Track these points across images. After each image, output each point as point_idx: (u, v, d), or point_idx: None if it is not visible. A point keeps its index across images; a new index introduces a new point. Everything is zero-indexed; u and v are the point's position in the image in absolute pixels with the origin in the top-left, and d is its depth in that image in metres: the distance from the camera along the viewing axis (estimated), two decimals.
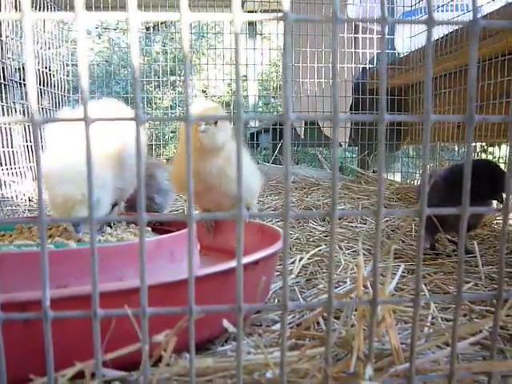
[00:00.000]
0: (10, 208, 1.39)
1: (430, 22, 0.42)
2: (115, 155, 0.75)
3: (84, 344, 0.50)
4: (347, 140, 2.59)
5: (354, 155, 2.80)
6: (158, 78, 3.46)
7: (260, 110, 4.39)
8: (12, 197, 1.48)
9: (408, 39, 2.17)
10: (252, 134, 3.71)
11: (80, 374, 0.47)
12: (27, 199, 1.52)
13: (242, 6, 3.68)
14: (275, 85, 4.53)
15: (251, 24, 3.70)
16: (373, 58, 2.40)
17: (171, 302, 0.53)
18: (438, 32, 1.86)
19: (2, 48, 1.52)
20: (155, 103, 5.18)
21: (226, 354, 0.56)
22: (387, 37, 2.33)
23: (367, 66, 2.44)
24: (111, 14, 0.41)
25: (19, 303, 0.47)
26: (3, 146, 1.49)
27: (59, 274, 0.59)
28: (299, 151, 3.83)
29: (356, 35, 2.48)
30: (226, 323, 0.56)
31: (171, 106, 5.13)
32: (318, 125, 2.70)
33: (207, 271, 0.54)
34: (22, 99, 1.63)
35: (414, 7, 2.20)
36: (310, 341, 0.57)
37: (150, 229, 0.81)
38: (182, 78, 5.03)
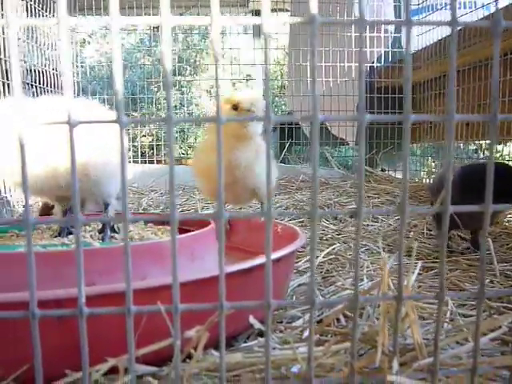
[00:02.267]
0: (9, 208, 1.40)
1: (454, 24, 0.43)
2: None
3: (114, 339, 0.52)
4: (354, 139, 2.60)
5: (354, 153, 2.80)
6: (162, 78, 3.47)
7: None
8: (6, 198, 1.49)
9: (415, 37, 2.17)
10: None
11: (112, 370, 0.48)
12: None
13: (247, 5, 3.69)
14: (279, 84, 4.54)
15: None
16: (380, 57, 2.41)
17: (199, 299, 0.54)
18: (447, 30, 1.87)
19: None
20: (159, 103, 5.21)
21: (251, 350, 0.57)
22: (394, 35, 2.34)
23: (375, 64, 2.45)
24: (143, 19, 0.42)
25: (54, 300, 0.48)
26: None
27: (86, 272, 0.61)
28: (305, 150, 3.83)
29: (363, 34, 2.49)
30: (252, 319, 0.58)
31: (176, 106, 5.15)
32: (324, 124, 2.70)
33: (237, 268, 0.55)
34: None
35: (420, 5, 2.21)
36: (332, 337, 0.58)
37: (168, 227, 0.82)
38: (187, 78, 5.05)
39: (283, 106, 4.57)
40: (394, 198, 1.51)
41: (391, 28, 2.35)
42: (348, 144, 2.65)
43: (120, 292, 0.50)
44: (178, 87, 4.94)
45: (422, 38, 2.19)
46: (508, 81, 1.54)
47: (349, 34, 2.42)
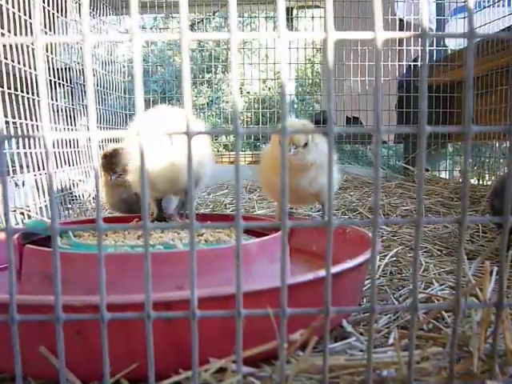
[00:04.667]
0: (78, 206, 1.44)
1: (471, 36, 0.43)
2: None
3: (213, 340, 0.54)
4: (392, 138, 2.59)
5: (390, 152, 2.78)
6: (194, 76, 3.50)
7: (296, 106, 4.39)
8: (79, 195, 1.54)
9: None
10: None
11: (216, 370, 0.50)
12: (92, 198, 1.57)
13: (275, 2, 3.69)
14: (311, 82, 4.53)
15: (288, 20, 3.70)
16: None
17: (293, 303, 0.55)
18: (493, 26, 1.84)
19: (69, 52, 1.58)
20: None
21: (340, 352, 0.58)
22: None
23: (413, 63, 2.42)
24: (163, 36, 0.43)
25: (164, 302, 0.50)
26: (70, 147, 1.55)
27: (175, 274, 0.63)
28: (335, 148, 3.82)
29: (416, 36, 2.46)
30: (345, 323, 0.59)
31: (207, 103, 5.18)
32: (360, 122, 2.69)
33: (335, 270, 0.56)
34: (83, 100, 1.68)
35: (466, 3, 2.18)
36: (423, 342, 0.59)
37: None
38: (218, 76, 5.08)
39: (315, 104, 4.56)
40: (445, 199, 1.50)
41: (433, 26, 2.33)
42: (385, 143, 2.63)
43: (223, 296, 0.52)
44: (208, 85, 4.98)
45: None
46: None
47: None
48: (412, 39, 2.44)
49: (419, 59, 2.42)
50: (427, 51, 0.46)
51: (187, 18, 0.40)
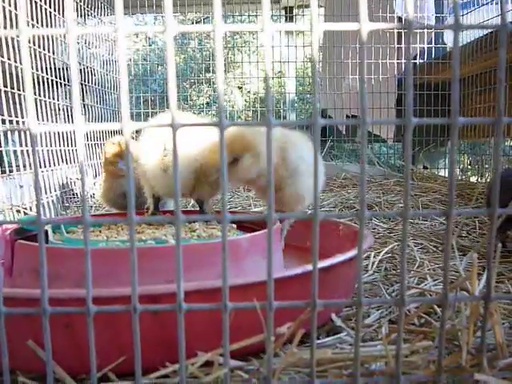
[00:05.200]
0: (76, 204, 1.45)
1: (457, 28, 0.43)
2: None
3: (201, 333, 0.54)
4: (392, 136, 2.58)
5: (390, 151, 2.78)
6: (195, 75, 3.50)
7: (296, 105, 4.39)
8: (77, 194, 1.54)
9: (459, 33, 2.13)
10: None
11: (204, 363, 0.50)
12: (90, 195, 1.58)
13: (279, 1, 3.69)
14: (311, 80, 4.52)
15: (288, 19, 3.69)
16: (421, 52, 2.38)
17: (279, 297, 0.55)
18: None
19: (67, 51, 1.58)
20: (191, 100, 5.25)
21: (330, 347, 0.58)
22: (437, 31, 2.31)
23: (412, 61, 2.42)
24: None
25: (151, 296, 0.50)
26: (67, 145, 1.55)
27: (166, 269, 0.63)
28: (335, 147, 3.82)
29: (400, 30, 2.46)
30: (334, 317, 0.59)
31: (207, 102, 5.18)
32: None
33: (323, 264, 0.56)
34: (83, 100, 1.69)
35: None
36: (413, 336, 0.59)
37: (234, 226, 0.83)
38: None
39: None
40: (443, 197, 1.50)
41: (432, 23, 2.32)
42: (385, 141, 2.63)
43: (210, 289, 0.52)
44: (209, 84, 4.97)
45: (465, 33, 2.16)
46: None
47: (391, 31, 2.40)
48: (411, 37, 2.44)
49: (418, 57, 2.41)
50: (411, 44, 0.46)
51: (172, 11, 0.40)
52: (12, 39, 1.25)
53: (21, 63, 1.29)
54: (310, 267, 0.55)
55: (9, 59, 1.26)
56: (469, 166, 2.67)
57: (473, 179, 2.14)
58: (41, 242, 0.45)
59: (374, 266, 0.86)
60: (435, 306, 0.68)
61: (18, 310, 0.47)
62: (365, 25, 0.43)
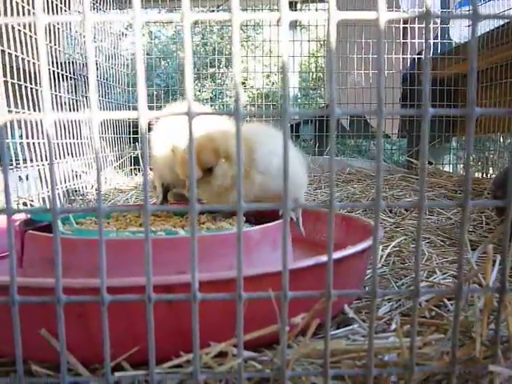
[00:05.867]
0: (81, 198, 1.45)
1: (475, 17, 0.42)
2: None
3: (217, 325, 0.53)
4: (395, 132, 2.58)
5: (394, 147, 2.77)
6: (198, 70, 3.50)
7: (299, 101, 4.38)
8: (82, 187, 1.54)
9: (466, 28, 2.13)
10: (292, 126, 3.70)
11: (217, 354, 0.50)
12: (95, 189, 1.58)
13: None
14: (314, 76, 4.51)
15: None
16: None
17: (294, 287, 0.55)
18: (498, 21, 1.83)
19: (72, 44, 1.59)
20: (194, 95, 5.25)
21: (342, 338, 0.58)
22: (442, 26, 2.30)
23: (417, 56, 2.41)
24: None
25: (165, 286, 0.50)
26: (72, 138, 1.55)
27: (178, 260, 0.63)
28: (339, 142, 3.82)
29: (405, 25, 2.46)
30: (347, 308, 0.59)
31: (211, 97, 5.18)
32: (363, 117, 2.69)
33: (336, 256, 0.56)
34: (86, 92, 1.68)
35: None
36: (425, 329, 0.59)
37: (243, 218, 0.83)
38: (221, 70, 5.08)
39: (318, 99, 4.54)
40: (449, 192, 1.49)
41: (438, 19, 2.31)
42: (389, 137, 2.62)
43: (224, 279, 0.52)
44: (212, 79, 4.97)
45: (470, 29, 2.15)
46: None
47: (388, 25, 2.39)
48: (416, 32, 2.43)
49: (423, 53, 2.41)
50: (431, 32, 0.45)
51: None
52: (13, 31, 1.25)
53: (22, 54, 1.28)
54: (322, 258, 0.55)
55: (15, 52, 1.25)
56: (471, 162, 2.67)
57: (476, 175, 2.14)
58: (55, 230, 0.45)
59: (383, 260, 0.86)
60: (445, 300, 0.68)
61: (32, 299, 0.47)
62: (383, 14, 0.42)
